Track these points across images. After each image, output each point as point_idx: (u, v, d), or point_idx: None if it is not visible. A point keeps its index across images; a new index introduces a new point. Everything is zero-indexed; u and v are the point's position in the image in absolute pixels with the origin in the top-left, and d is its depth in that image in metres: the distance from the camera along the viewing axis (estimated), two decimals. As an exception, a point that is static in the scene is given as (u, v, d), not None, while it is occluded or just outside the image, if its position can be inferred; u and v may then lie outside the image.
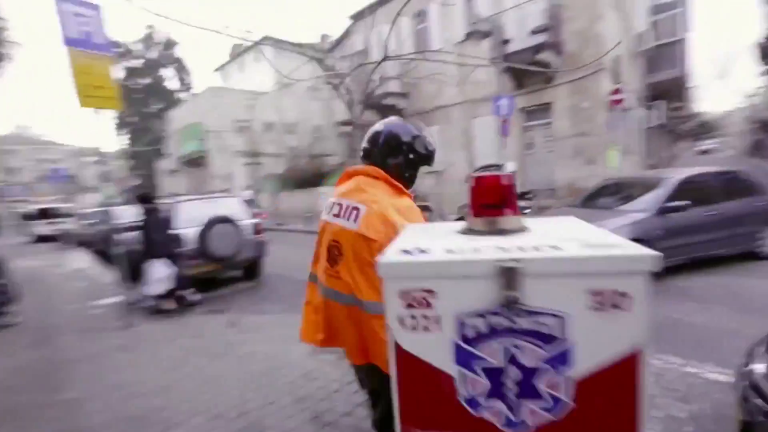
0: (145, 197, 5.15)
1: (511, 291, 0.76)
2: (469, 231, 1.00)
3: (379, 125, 1.57)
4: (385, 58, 7.13)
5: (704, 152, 34.16)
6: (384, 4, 12.52)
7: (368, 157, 1.55)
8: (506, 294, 0.76)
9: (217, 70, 30.81)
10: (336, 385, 2.81)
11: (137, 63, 31.68)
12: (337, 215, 1.47)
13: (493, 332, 0.79)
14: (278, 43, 18.71)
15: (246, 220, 6.31)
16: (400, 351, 0.83)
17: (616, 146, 9.15)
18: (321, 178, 17.80)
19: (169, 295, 4.92)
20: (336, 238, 1.45)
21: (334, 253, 1.46)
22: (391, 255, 0.86)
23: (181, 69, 33.66)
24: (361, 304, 1.38)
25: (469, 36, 10.50)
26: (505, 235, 0.94)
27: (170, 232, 5.15)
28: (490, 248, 0.83)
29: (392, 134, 1.52)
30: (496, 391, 0.81)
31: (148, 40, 32.26)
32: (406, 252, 0.86)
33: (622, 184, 5.98)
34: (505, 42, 9.71)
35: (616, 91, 8.97)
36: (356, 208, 1.42)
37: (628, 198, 5.35)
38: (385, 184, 1.47)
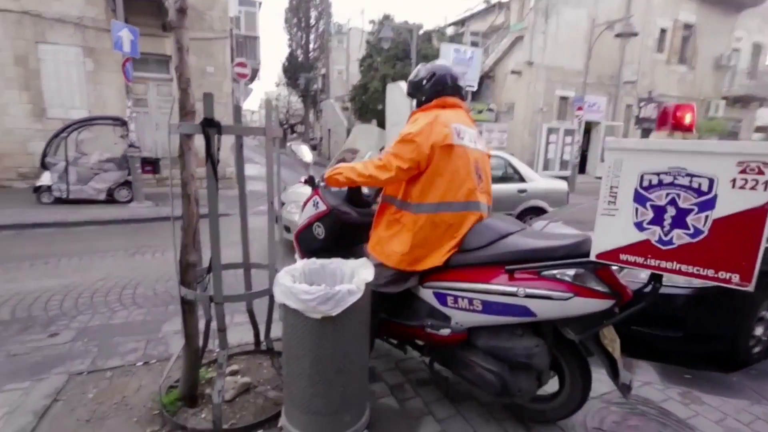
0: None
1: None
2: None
3: (447, 66, 1.91)
4: None
5: None
6: None
7: (458, 91, 1.89)
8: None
9: None
10: None
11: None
12: (471, 141, 1.78)
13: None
14: None
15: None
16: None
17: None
18: None
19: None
20: (477, 159, 1.80)
21: (479, 172, 1.80)
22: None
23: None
24: (489, 209, 1.87)
25: None
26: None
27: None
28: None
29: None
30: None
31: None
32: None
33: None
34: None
35: (242, 64, 9.26)
36: (476, 135, 1.86)
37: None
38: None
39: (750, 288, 1.10)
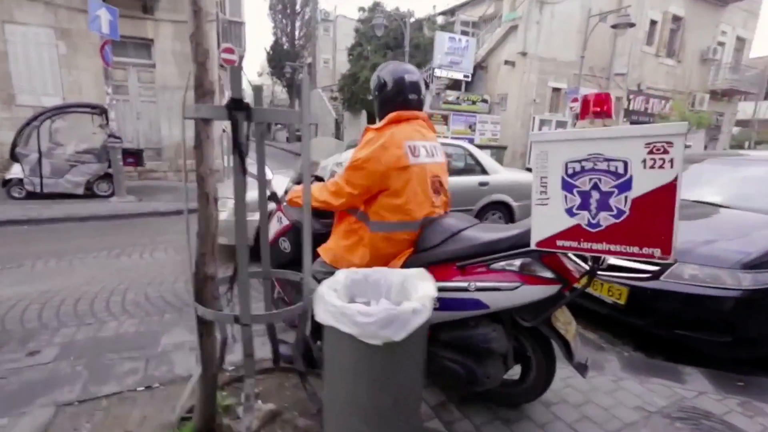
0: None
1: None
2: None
3: (413, 73, 1.82)
4: None
5: None
6: None
7: (416, 100, 1.82)
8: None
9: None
10: None
11: None
12: (427, 155, 1.77)
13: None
14: None
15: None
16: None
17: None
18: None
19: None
20: (436, 174, 1.81)
21: (436, 186, 1.81)
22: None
23: None
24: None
25: None
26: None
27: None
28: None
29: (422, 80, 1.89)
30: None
31: None
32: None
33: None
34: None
35: (229, 50, 8.75)
36: (434, 146, 1.83)
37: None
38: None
39: (671, 260, 1.15)
